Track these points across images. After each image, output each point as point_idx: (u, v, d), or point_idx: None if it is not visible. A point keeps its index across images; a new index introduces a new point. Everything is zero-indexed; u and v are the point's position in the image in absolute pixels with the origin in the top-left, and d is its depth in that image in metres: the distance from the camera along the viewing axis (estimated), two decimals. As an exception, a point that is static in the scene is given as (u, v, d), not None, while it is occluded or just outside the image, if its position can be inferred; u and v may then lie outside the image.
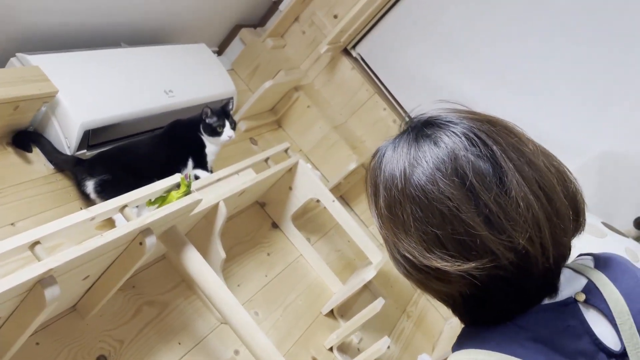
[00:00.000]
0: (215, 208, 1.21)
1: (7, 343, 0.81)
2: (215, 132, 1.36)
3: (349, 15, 1.83)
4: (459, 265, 0.51)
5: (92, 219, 0.86)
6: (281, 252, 1.59)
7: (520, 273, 0.52)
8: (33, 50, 1.25)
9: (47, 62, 1.21)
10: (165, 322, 1.17)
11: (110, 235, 0.85)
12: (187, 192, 1.05)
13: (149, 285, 1.19)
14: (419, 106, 0.63)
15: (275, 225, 1.65)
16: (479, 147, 0.53)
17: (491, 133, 0.55)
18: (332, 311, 1.54)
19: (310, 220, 1.78)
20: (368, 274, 1.47)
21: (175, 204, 1.00)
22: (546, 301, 0.55)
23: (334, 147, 1.93)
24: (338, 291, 1.59)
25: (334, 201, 1.56)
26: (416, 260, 0.54)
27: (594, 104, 1.69)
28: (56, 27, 1.34)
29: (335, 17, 1.96)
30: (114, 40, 1.52)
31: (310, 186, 1.56)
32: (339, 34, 1.88)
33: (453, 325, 1.86)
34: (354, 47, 1.99)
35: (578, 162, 1.68)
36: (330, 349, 1.46)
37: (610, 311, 0.54)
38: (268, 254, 1.54)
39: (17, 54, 1.21)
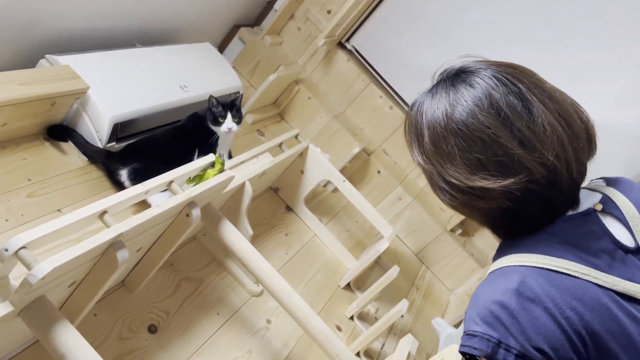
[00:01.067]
0: (241, 188, 1.31)
1: (80, 306, 0.89)
2: (216, 121, 1.41)
3: (342, 10, 1.94)
4: (500, 182, 0.61)
5: (146, 192, 0.95)
6: (297, 232, 1.69)
7: (549, 186, 0.63)
8: (57, 52, 1.33)
9: (74, 62, 1.29)
10: (203, 296, 1.25)
11: (165, 205, 0.94)
12: (222, 170, 1.15)
13: (184, 263, 1.28)
14: (448, 61, 0.74)
15: (289, 209, 1.74)
16: (507, 86, 0.65)
17: (515, 74, 0.66)
18: (348, 284, 1.64)
19: (320, 204, 1.88)
20: (382, 246, 1.57)
21: (213, 180, 1.09)
22: (570, 212, 0.66)
23: (336, 135, 2.04)
24: (352, 266, 1.69)
25: (344, 181, 1.66)
26: (462, 184, 0.64)
27: (575, 79, 1.82)
28: (77, 30, 1.42)
29: (329, 12, 2.07)
30: (129, 41, 1.61)
31: (321, 168, 1.67)
32: (334, 28, 1.99)
33: (459, 295, 1.97)
34: (348, 40, 2.10)
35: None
36: (351, 318, 1.55)
37: (624, 216, 0.65)
38: (286, 235, 1.64)
39: (46, 56, 1.29)
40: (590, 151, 0.67)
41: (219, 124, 1.41)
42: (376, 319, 1.60)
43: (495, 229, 0.71)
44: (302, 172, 1.69)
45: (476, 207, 0.68)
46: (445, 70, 0.73)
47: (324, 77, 2.14)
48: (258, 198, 1.67)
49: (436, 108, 0.68)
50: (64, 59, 1.29)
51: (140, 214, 0.88)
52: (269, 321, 1.33)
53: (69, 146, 1.30)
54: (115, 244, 0.83)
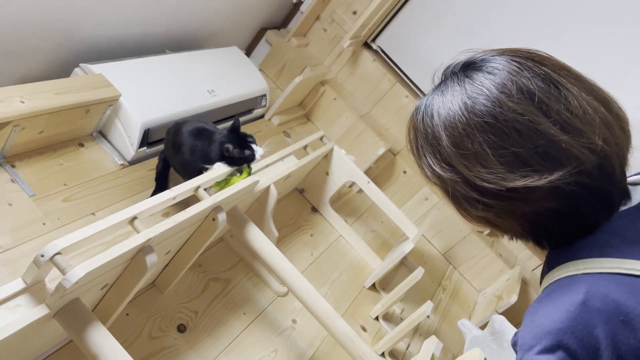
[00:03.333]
0: (266, 191, 1.33)
1: (111, 307, 0.93)
2: (248, 159, 1.19)
3: (368, 10, 1.95)
4: (546, 178, 0.51)
5: (174, 198, 0.99)
6: (322, 233, 1.71)
7: (603, 177, 0.53)
8: (90, 60, 1.38)
9: (107, 70, 1.34)
10: (230, 296, 1.29)
11: (191, 210, 0.97)
12: (247, 175, 1.18)
13: (212, 264, 1.32)
14: (449, 58, 0.67)
15: (314, 209, 1.77)
16: (531, 69, 0.56)
17: (534, 57, 0.58)
18: (374, 285, 1.65)
19: (345, 204, 1.90)
20: (407, 247, 1.58)
21: (239, 184, 1.12)
22: (622, 208, 0.57)
23: (361, 135, 2.05)
24: (378, 266, 1.70)
25: (369, 182, 1.67)
26: (498, 186, 0.54)
27: (606, 75, 1.78)
28: (109, 39, 1.48)
29: (355, 13, 2.07)
30: (158, 47, 1.66)
31: (346, 170, 1.68)
32: (360, 29, 2.00)
33: (486, 295, 1.96)
34: (374, 40, 2.11)
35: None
36: (376, 318, 1.57)
37: None
38: (311, 235, 1.66)
39: (80, 64, 1.34)
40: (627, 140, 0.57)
41: (252, 157, 1.19)
42: (401, 320, 1.60)
43: (539, 239, 0.59)
44: (327, 173, 1.71)
45: (516, 214, 0.56)
46: (450, 66, 0.64)
47: (349, 78, 2.15)
48: (284, 199, 1.69)
49: (450, 105, 0.58)
50: (97, 68, 1.34)
51: (167, 220, 0.92)
52: (294, 321, 1.36)
53: (102, 152, 1.35)
54: (144, 249, 0.87)
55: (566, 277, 0.53)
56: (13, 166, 1.16)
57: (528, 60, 0.58)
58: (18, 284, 0.81)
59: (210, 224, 1.06)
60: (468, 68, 0.61)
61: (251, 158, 1.19)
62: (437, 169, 0.60)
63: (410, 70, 2.07)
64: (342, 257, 1.68)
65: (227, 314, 1.24)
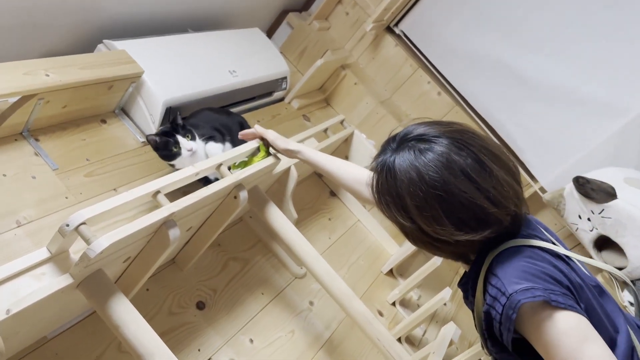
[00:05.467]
0: (287, 172, 1.33)
1: (133, 280, 0.94)
2: (172, 154, 1.20)
3: (392, -7, 1.92)
4: (480, 234, 0.74)
5: (197, 174, 0.99)
6: (340, 217, 1.70)
7: (513, 223, 0.78)
8: (114, 37, 1.38)
9: (130, 47, 1.34)
10: (249, 276, 1.29)
11: (214, 187, 0.97)
12: (266, 156, 1.17)
13: (231, 244, 1.32)
14: (403, 122, 0.79)
15: (333, 194, 1.76)
16: (465, 150, 0.74)
17: (467, 139, 0.76)
18: (391, 270, 1.65)
19: (364, 189, 1.89)
20: (425, 233, 1.56)
21: (261, 163, 1.12)
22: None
23: (382, 121, 2.03)
24: (395, 252, 1.69)
25: (389, 167, 1.65)
26: (449, 239, 0.75)
27: (634, 64, 1.74)
28: (133, 16, 1.47)
29: (378, -4, 2.04)
30: (181, 26, 1.65)
31: (366, 154, 1.67)
32: (382, 13, 1.97)
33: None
34: (396, 24, 2.08)
35: (621, 121, 1.73)
36: (393, 304, 1.56)
37: (549, 237, 0.84)
38: (329, 219, 1.66)
39: (104, 41, 1.34)
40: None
41: (177, 154, 1.20)
42: (418, 306, 1.59)
43: (468, 260, 0.83)
44: (346, 157, 1.69)
45: (456, 252, 0.81)
46: (405, 135, 0.78)
47: (370, 62, 2.13)
48: (303, 182, 1.69)
49: (411, 175, 0.74)
50: (120, 44, 1.34)
51: (191, 195, 0.91)
52: (311, 303, 1.36)
53: (124, 129, 1.35)
54: (167, 223, 0.87)
55: (510, 247, 0.77)
56: (37, 140, 1.17)
57: (462, 141, 0.75)
58: (43, 253, 0.81)
59: (232, 201, 1.06)
60: (420, 141, 0.76)
61: (172, 148, 1.21)
62: (401, 219, 0.78)
63: (433, 56, 2.04)
64: (360, 241, 1.68)
65: (245, 294, 1.25)
